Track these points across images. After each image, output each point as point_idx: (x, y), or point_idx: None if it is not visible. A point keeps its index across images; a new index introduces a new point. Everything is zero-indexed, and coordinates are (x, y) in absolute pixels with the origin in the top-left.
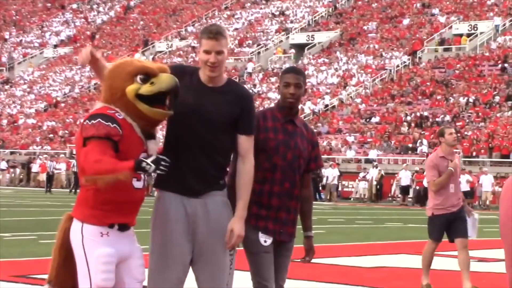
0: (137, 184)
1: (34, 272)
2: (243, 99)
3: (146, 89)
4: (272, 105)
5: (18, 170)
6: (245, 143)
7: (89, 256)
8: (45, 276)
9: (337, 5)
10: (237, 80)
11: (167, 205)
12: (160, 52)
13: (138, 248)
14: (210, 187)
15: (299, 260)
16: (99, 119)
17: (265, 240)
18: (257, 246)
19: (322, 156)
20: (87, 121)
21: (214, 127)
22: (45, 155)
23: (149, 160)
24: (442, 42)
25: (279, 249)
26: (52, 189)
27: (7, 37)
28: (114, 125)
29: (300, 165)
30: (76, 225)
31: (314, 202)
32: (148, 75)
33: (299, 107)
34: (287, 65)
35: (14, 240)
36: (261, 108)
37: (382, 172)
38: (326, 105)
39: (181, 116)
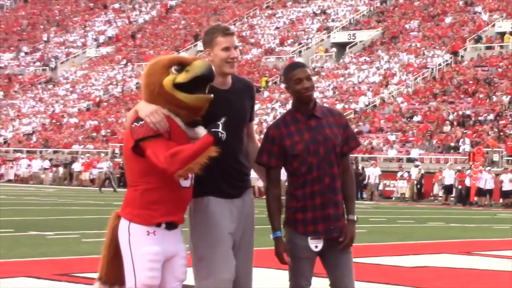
0: (184, 183)
1: (76, 270)
2: (252, 89)
3: (182, 77)
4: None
5: (61, 169)
6: (252, 127)
7: (135, 253)
8: (88, 275)
9: (379, 3)
10: (278, 79)
11: (213, 209)
12: (201, 51)
13: (183, 247)
14: (246, 187)
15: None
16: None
17: (316, 245)
18: (304, 252)
19: (364, 156)
20: (135, 123)
21: (243, 127)
22: (87, 154)
23: (220, 129)
24: (478, 39)
25: (334, 249)
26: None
27: (50, 36)
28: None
29: (336, 154)
30: (123, 223)
31: (356, 202)
32: (182, 64)
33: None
34: (328, 64)
35: (57, 239)
36: None
37: (422, 171)
38: (367, 104)
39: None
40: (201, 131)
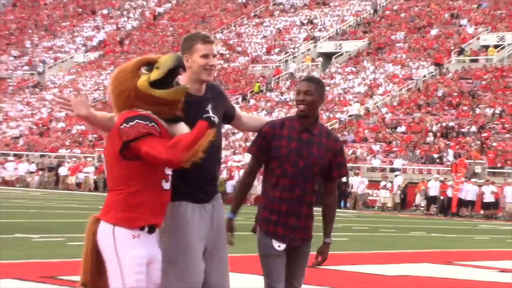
0: (166, 186)
1: (62, 273)
2: (222, 94)
3: (155, 74)
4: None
5: (46, 174)
6: (239, 114)
7: (122, 258)
8: (73, 278)
9: (365, 14)
10: (265, 87)
11: (184, 213)
12: None
13: (160, 251)
14: (215, 192)
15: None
16: (137, 120)
17: (278, 245)
18: (270, 250)
19: (348, 165)
20: (124, 124)
21: (220, 133)
22: (73, 158)
23: (210, 114)
24: (461, 51)
25: (294, 253)
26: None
27: (38, 41)
28: (152, 124)
29: (314, 173)
30: (106, 227)
31: (338, 210)
32: (150, 63)
33: (327, 115)
34: (314, 73)
35: (43, 242)
36: (289, 115)
37: (406, 181)
38: (351, 115)
39: None
40: (183, 126)
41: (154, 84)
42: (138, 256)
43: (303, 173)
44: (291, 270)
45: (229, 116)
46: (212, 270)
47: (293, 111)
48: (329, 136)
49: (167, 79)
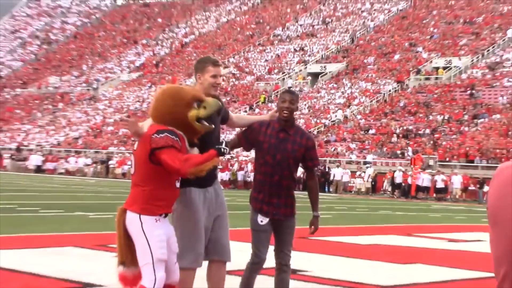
0: (177, 184)
1: (112, 242)
2: (222, 104)
3: (203, 113)
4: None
5: (99, 166)
6: (231, 116)
7: (149, 236)
8: None
9: (344, 43)
10: (267, 99)
11: (192, 196)
12: None
13: (172, 228)
14: (215, 177)
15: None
16: (166, 133)
17: (261, 220)
18: (256, 225)
19: (331, 159)
20: (155, 135)
21: (219, 129)
22: (119, 154)
23: (223, 145)
24: (418, 71)
25: (281, 227)
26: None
27: (92, 64)
28: (177, 139)
29: (290, 163)
30: (134, 216)
31: (323, 193)
32: (200, 101)
33: (315, 120)
34: (305, 89)
35: (97, 218)
36: None
37: (376, 172)
38: (333, 120)
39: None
40: (196, 150)
41: (199, 119)
42: (161, 234)
43: (280, 163)
44: (280, 240)
45: (224, 119)
46: (218, 231)
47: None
48: (302, 136)
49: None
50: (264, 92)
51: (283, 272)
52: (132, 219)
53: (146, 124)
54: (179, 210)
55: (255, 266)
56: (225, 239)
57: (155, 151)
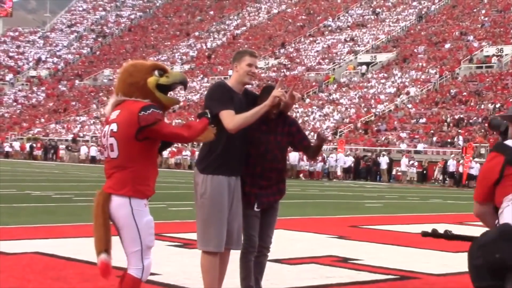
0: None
1: (165, 231)
2: (250, 96)
3: (164, 80)
4: (343, 109)
5: None
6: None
7: (139, 223)
8: (172, 235)
9: (394, 33)
10: (317, 89)
11: (221, 183)
12: (259, 68)
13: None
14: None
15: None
16: (152, 109)
17: (257, 207)
18: (249, 209)
19: (381, 148)
20: (142, 112)
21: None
22: (174, 144)
23: (207, 115)
24: (471, 60)
25: (268, 210)
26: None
27: (146, 56)
28: (160, 112)
29: (275, 154)
30: (123, 200)
31: (374, 183)
32: (163, 71)
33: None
34: (355, 79)
35: (151, 207)
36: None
37: (427, 161)
38: (384, 110)
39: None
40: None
41: (159, 87)
42: (150, 220)
43: (263, 156)
44: (266, 223)
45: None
46: (236, 220)
47: (339, 108)
48: (284, 125)
49: (169, 89)
50: (313, 83)
51: (263, 255)
52: (121, 205)
53: (109, 104)
54: (207, 196)
55: (252, 249)
56: (234, 226)
57: (147, 128)
